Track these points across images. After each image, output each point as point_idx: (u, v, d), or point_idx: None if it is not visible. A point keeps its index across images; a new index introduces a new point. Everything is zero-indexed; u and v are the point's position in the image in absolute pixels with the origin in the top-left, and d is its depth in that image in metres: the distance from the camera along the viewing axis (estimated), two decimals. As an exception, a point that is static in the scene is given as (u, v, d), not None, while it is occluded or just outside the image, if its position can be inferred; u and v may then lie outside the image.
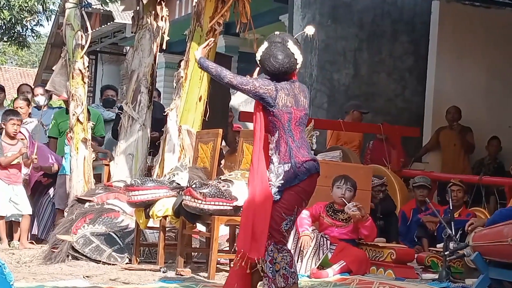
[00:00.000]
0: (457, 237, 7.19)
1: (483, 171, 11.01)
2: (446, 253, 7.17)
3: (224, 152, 10.67)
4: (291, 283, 5.34)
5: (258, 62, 5.49)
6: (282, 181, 5.32)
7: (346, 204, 7.65)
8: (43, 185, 10.46)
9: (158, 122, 9.51)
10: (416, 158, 12.06)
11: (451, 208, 7.73)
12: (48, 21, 26.98)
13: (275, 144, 5.39)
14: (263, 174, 5.37)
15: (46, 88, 10.14)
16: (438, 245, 8.03)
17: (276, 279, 5.29)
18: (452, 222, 7.37)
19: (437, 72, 12.52)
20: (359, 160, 10.61)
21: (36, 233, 10.19)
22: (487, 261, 6.12)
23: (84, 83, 9.34)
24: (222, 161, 9.81)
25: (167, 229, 7.65)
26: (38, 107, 11.27)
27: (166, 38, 9.55)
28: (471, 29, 12.65)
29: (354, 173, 8.18)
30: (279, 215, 5.32)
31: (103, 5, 15.10)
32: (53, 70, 9.72)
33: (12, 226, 9.80)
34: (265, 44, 5.46)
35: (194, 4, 9.17)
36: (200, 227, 7.50)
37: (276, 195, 5.33)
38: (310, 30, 5.70)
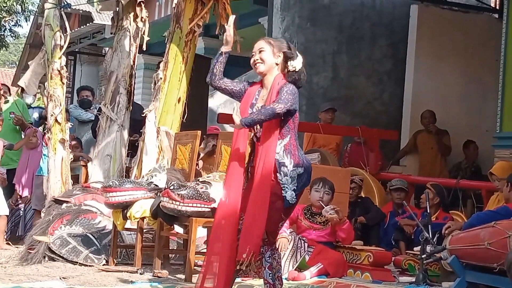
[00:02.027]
0: (434, 240, 7.20)
1: (460, 175, 11.04)
2: (423, 256, 7.17)
3: (202, 154, 10.66)
4: (283, 282, 5.42)
5: (294, 70, 5.49)
6: (297, 184, 5.24)
7: (324, 207, 7.66)
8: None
9: (137, 123, 9.49)
10: (393, 161, 12.09)
11: (428, 211, 7.75)
12: (27, 21, 26.95)
13: (285, 147, 5.28)
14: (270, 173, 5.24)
15: (18, 83, 10.08)
16: (415, 248, 8.05)
17: (275, 284, 5.32)
18: (429, 225, 7.38)
19: (415, 75, 12.57)
20: (337, 163, 10.63)
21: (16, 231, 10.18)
22: (463, 264, 6.15)
23: (63, 83, 9.31)
24: (200, 163, 9.79)
25: (144, 230, 7.63)
26: None
27: (146, 39, 9.53)
28: (449, 33, 12.71)
29: (332, 176, 8.19)
30: (279, 216, 5.27)
31: (98, 9, 14.97)
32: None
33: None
34: (300, 56, 5.46)
35: (173, 5, 9.15)
36: (178, 228, 7.48)
37: (294, 198, 5.24)
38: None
